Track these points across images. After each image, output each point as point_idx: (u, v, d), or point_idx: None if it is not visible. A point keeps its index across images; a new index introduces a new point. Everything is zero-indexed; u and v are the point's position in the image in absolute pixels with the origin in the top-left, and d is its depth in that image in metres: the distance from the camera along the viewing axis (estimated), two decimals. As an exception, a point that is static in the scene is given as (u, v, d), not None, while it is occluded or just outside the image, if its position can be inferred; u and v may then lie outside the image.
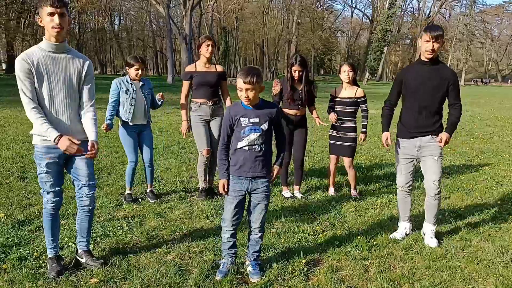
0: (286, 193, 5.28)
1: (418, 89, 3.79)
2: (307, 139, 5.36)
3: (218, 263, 3.33)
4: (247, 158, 3.09)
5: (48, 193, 3.10)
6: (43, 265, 3.32)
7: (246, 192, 3.17)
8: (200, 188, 5.23)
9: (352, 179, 5.40)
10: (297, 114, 5.18)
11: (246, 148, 3.09)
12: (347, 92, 5.24)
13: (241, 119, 3.08)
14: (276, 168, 3.29)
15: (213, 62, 5.21)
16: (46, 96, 2.96)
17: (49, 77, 2.95)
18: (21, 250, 3.55)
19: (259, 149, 3.10)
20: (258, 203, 3.18)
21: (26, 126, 10.09)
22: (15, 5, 37.94)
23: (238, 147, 3.11)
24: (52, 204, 3.13)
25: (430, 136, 3.82)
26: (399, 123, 4.00)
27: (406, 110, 3.93)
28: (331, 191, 5.49)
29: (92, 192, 3.22)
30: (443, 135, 3.74)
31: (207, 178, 5.24)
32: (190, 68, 5.08)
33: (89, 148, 3.01)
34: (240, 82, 3.00)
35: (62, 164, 3.13)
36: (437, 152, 3.82)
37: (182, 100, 5.10)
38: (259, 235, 3.26)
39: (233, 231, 3.22)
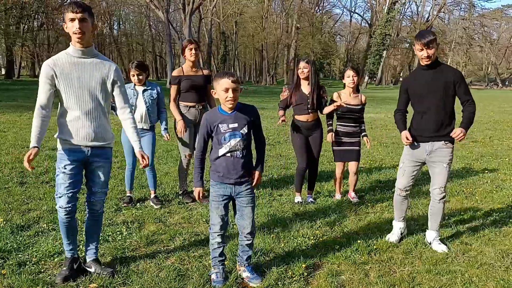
0: (297, 198, 5.23)
1: (424, 94, 3.76)
2: (322, 143, 5.31)
3: (209, 274, 3.26)
4: (229, 165, 3.06)
5: (60, 196, 3.05)
6: (42, 270, 3.31)
7: (230, 196, 3.15)
8: (182, 191, 5.25)
9: (353, 183, 5.36)
10: (309, 120, 5.10)
11: (228, 154, 3.06)
12: (354, 98, 5.16)
13: (220, 125, 3.04)
14: (257, 174, 3.21)
15: (199, 66, 5.19)
16: (69, 100, 3.00)
17: (72, 82, 2.98)
18: (20, 255, 3.54)
19: (240, 155, 3.08)
20: (245, 207, 3.15)
21: (26, 131, 10.08)
22: (14, 11, 38.03)
23: (219, 154, 3.07)
24: (65, 213, 3.05)
25: (442, 141, 3.77)
26: (410, 127, 3.94)
27: (416, 115, 3.89)
28: (338, 196, 5.46)
29: (102, 198, 3.25)
30: (458, 129, 3.66)
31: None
32: (177, 72, 5.04)
33: (140, 160, 3.17)
34: (226, 82, 2.95)
35: (81, 168, 3.12)
36: (447, 159, 3.78)
37: (172, 104, 5.04)
38: (251, 241, 3.23)
39: (222, 236, 3.19)
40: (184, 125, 4.97)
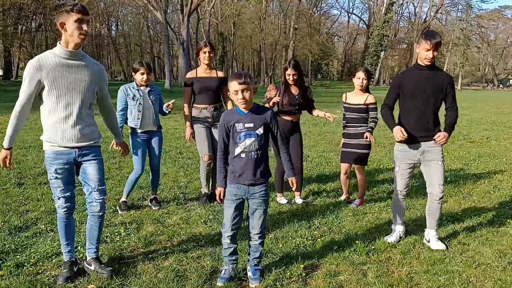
0: (282, 199, 5.23)
1: (418, 93, 3.78)
2: (302, 144, 5.33)
3: (219, 269, 3.31)
4: (245, 166, 3.08)
5: (59, 198, 3.13)
6: (40, 271, 3.30)
7: (244, 197, 3.17)
8: (202, 193, 5.22)
9: (360, 186, 5.24)
10: (293, 120, 5.14)
11: (243, 155, 3.08)
12: (358, 98, 5.08)
13: (236, 124, 3.08)
14: (293, 180, 3.22)
15: (214, 67, 5.21)
16: (55, 101, 2.99)
17: (59, 83, 2.97)
18: (18, 256, 3.53)
19: (255, 155, 3.08)
20: (256, 209, 3.17)
21: (23, 132, 10.06)
22: (12, 11, 37.95)
23: (235, 154, 3.11)
24: (64, 210, 3.16)
25: (433, 141, 3.81)
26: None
27: (406, 115, 3.89)
28: (343, 197, 5.43)
29: (102, 197, 3.22)
30: (441, 133, 3.73)
31: (210, 184, 5.23)
32: (191, 75, 5.10)
33: (120, 150, 3.78)
34: (235, 85, 3.00)
35: (72, 170, 3.14)
36: (440, 157, 3.83)
37: (185, 107, 5.08)
38: (259, 241, 3.25)
39: (232, 236, 3.21)
40: (191, 132, 5.03)
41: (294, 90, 5.11)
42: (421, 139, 3.82)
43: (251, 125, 3.08)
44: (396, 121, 3.95)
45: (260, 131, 3.09)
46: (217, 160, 3.23)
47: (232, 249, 3.24)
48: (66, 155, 3.07)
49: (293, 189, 3.27)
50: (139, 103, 4.74)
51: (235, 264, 3.29)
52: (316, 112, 5.25)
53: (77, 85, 3.02)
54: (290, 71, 5.00)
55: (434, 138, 3.77)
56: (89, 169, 3.16)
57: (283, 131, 5.06)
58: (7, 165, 3.06)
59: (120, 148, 3.77)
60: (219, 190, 3.19)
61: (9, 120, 3.03)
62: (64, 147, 3.05)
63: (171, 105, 4.92)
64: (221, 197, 3.19)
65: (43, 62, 2.92)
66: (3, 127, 10.84)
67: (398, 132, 3.75)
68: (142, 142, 4.82)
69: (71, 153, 3.08)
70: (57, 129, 3.02)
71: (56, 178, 3.07)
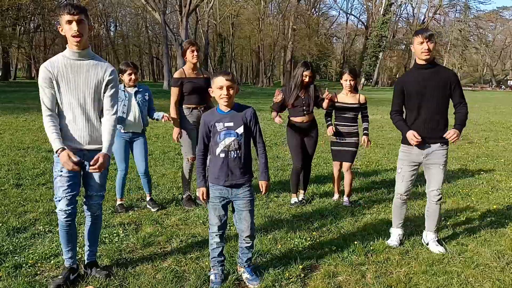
0: (293, 199, 5.25)
1: (421, 94, 3.72)
2: (316, 144, 5.34)
3: (208, 275, 3.27)
4: (224, 167, 3.07)
5: (59, 200, 3.02)
6: (38, 272, 3.30)
7: (229, 198, 3.15)
8: (185, 196, 5.17)
9: (347, 185, 5.33)
10: (304, 121, 5.15)
11: (222, 154, 3.07)
12: (351, 98, 5.19)
13: (216, 124, 3.08)
14: (263, 184, 3.21)
15: (199, 68, 5.15)
16: (65, 102, 2.99)
17: (69, 84, 2.97)
18: (16, 257, 3.53)
19: (235, 155, 3.07)
20: (242, 210, 3.15)
21: (21, 132, 10.06)
22: (10, 12, 37.93)
23: (215, 154, 3.10)
24: (65, 216, 3.04)
25: (438, 143, 3.77)
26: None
27: (411, 116, 3.82)
28: (335, 197, 5.49)
29: (98, 201, 3.23)
30: (451, 130, 3.66)
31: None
32: (179, 74, 4.99)
33: (92, 161, 2.92)
34: (221, 80, 2.99)
35: (77, 172, 3.05)
36: (442, 161, 3.79)
37: (172, 107, 4.98)
38: (251, 243, 3.24)
39: (221, 235, 3.19)
40: (179, 133, 4.97)
41: (303, 93, 5.10)
42: (428, 140, 3.74)
43: (231, 124, 3.07)
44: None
45: (240, 130, 3.08)
46: (196, 161, 3.21)
47: (221, 248, 3.22)
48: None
49: (262, 193, 3.25)
50: (123, 105, 4.69)
51: (223, 266, 3.27)
52: (324, 104, 5.17)
53: (85, 86, 3.01)
54: (308, 73, 5.04)
55: (443, 136, 3.70)
56: (93, 174, 3.12)
57: (297, 133, 5.13)
58: (70, 164, 2.84)
59: (97, 159, 2.96)
60: (201, 190, 3.15)
61: (46, 130, 2.93)
62: (73, 148, 3.01)
63: (169, 120, 4.84)
64: (204, 197, 3.15)
65: (54, 63, 2.95)
66: (1, 128, 10.83)
67: (412, 137, 3.70)
68: (124, 141, 4.80)
69: (79, 154, 3.03)
70: (67, 130, 3.00)
71: (61, 176, 2.99)
